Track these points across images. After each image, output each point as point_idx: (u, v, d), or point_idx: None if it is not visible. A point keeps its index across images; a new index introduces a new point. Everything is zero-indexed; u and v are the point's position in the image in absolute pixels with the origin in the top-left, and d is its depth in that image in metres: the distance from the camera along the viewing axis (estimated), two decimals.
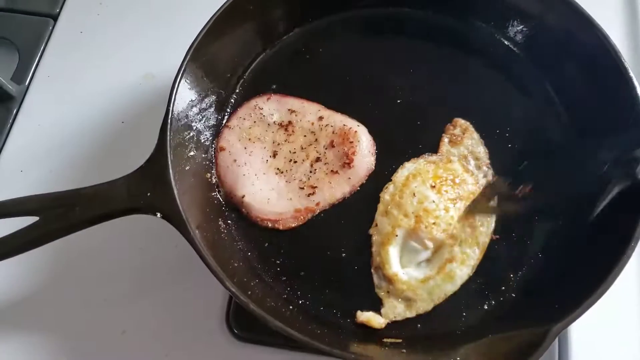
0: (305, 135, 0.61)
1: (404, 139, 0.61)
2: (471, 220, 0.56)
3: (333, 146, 0.60)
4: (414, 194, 0.56)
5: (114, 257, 0.63)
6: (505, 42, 0.66)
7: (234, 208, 0.59)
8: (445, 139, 0.61)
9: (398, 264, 0.55)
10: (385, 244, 0.55)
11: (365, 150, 0.60)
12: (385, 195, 0.58)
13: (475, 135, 0.61)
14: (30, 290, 0.61)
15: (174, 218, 0.50)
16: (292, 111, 0.62)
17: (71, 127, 0.70)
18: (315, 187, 0.59)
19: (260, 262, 0.57)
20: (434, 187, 0.56)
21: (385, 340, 0.52)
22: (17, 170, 0.68)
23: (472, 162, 0.59)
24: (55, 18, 0.77)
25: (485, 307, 0.54)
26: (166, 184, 0.51)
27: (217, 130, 0.63)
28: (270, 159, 0.60)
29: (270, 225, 0.58)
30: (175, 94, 0.55)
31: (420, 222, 0.54)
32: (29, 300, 0.61)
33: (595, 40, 0.57)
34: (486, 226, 0.56)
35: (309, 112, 0.62)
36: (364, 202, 0.59)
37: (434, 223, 0.54)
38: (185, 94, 0.58)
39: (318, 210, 0.58)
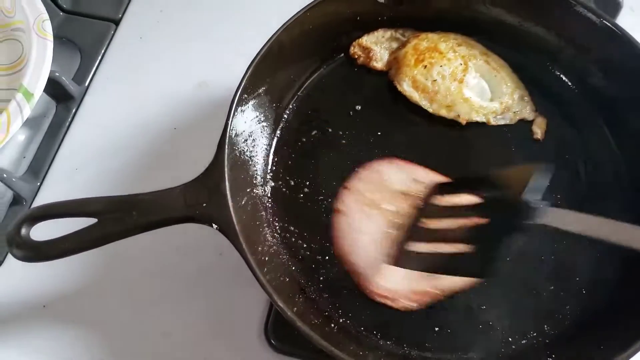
0: None
1: None
2: None
3: None
4: None
5: (160, 261, 0.64)
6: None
7: (281, 219, 0.60)
8: None
9: None
10: None
11: None
12: None
13: None
14: (80, 287, 0.63)
15: (228, 230, 0.51)
16: (416, 181, 0.59)
17: (126, 129, 0.72)
18: None
19: (305, 276, 0.57)
20: None
21: None
22: (72, 168, 0.70)
23: None
24: (117, 23, 0.79)
25: (524, 342, 0.54)
26: (222, 195, 0.52)
27: (270, 145, 0.64)
28: (391, 230, 0.57)
29: (382, 301, 0.55)
30: (235, 105, 0.56)
31: None
32: (78, 296, 0.63)
33: None
34: None
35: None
36: None
37: None
38: (243, 106, 0.59)
39: (442, 297, 0.54)
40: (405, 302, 0.55)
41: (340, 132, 0.64)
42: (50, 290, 0.63)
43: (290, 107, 0.66)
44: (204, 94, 0.74)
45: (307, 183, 0.62)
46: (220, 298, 0.62)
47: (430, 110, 0.63)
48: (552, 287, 0.56)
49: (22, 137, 0.73)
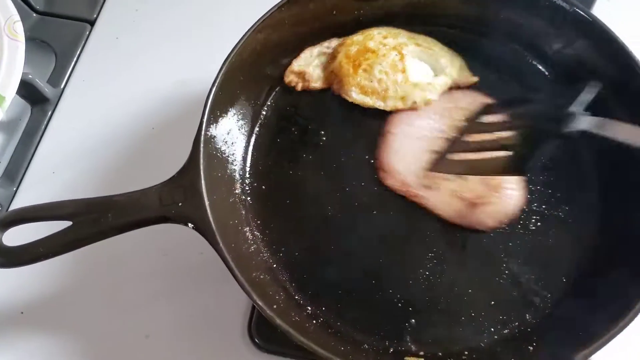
0: None
1: None
2: None
3: None
4: None
5: (140, 262, 0.64)
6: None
7: (261, 217, 0.60)
8: None
9: None
10: None
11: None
12: None
13: None
14: (58, 291, 0.62)
15: (204, 229, 0.50)
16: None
17: (103, 131, 0.71)
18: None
19: (286, 274, 0.57)
20: None
21: (407, 358, 0.52)
22: (49, 172, 0.69)
23: None
24: (92, 23, 0.78)
25: (506, 332, 0.54)
26: (198, 194, 0.51)
27: (248, 142, 0.63)
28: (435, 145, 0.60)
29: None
30: (211, 102, 0.56)
31: None
32: (56, 300, 0.62)
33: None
34: None
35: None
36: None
37: None
38: (219, 105, 0.58)
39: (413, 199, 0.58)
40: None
41: (320, 129, 0.64)
42: (27, 296, 0.62)
43: (269, 103, 0.65)
44: (182, 92, 0.73)
45: (287, 180, 0.61)
46: (202, 298, 0.61)
47: (387, 108, 0.63)
48: (533, 276, 0.56)
49: None
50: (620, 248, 0.55)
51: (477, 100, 0.63)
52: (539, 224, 0.58)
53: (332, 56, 0.66)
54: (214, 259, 0.53)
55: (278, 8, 0.61)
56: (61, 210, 0.52)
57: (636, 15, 0.76)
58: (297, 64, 0.66)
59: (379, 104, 0.63)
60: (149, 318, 0.61)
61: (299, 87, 0.65)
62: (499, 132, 0.57)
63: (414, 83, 0.62)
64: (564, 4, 0.60)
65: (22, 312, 0.62)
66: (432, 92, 0.63)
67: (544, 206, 0.58)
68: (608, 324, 0.48)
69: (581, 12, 0.60)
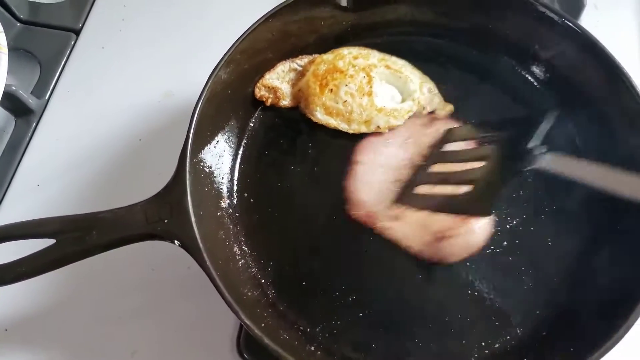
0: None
1: None
2: None
3: None
4: None
5: (127, 277, 0.63)
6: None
7: (249, 231, 0.59)
8: None
9: None
10: None
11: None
12: None
13: None
14: (42, 308, 0.61)
15: (191, 246, 0.50)
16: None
17: (89, 142, 0.70)
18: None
19: (275, 289, 0.56)
20: None
21: None
22: (34, 184, 0.68)
23: None
24: (77, 33, 0.77)
25: (497, 347, 0.53)
26: (184, 211, 0.51)
27: (236, 155, 0.63)
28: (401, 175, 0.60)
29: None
30: (197, 115, 0.55)
31: None
32: (41, 317, 0.61)
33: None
34: None
35: None
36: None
37: None
38: (206, 116, 0.57)
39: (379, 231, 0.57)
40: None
41: (308, 141, 0.63)
42: (11, 312, 0.61)
43: (256, 115, 0.65)
44: (169, 103, 0.72)
45: (275, 193, 0.61)
46: (190, 313, 0.61)
47: (351, 131, 0.62)
48: (525, 287, 0.56)
49: None
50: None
51: (444, 125, 0.62)
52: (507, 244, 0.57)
53: (301, 74, 0.65)
54: (201, 274, 0.52)
55: (264, 20, 0.60)
56: (45, 227, 0.51)
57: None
58: (269, 77, 0.64)
59: (343, 127, 0.62)
60: (136, 334, 0.60)
61: (269, 102, 0.64)
62: (463, 163, 0.57)
63: (379, 108, 0.62)
64: (553, 15, 0.60)
65: (6, 330, 0.61)
66: (396, 118, 0.62)
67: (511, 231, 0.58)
68: (599, 340, 0.47)
69: (569, 23, 0.59)
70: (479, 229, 0.56)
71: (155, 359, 0.59)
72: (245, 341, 0.59)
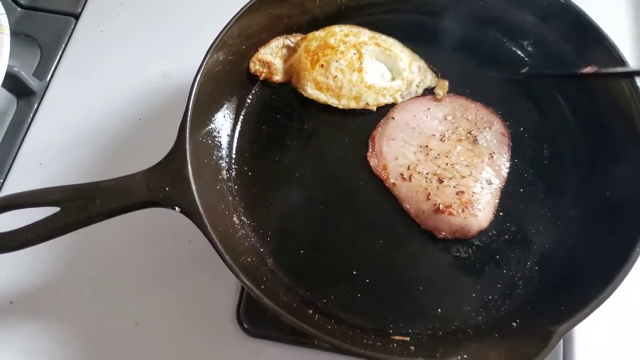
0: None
1: None
2: None
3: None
4: None
5: (129, 250, 0.64)
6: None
7: (248, 203, 0.61)
8: None
9: None
10: None
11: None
12: None
13: None
14: (47, 281, 0.63)
15: (191, 212, 0.51)
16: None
17: (90, 122, 0.72)
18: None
19: (272, 257, 0.58)
20: None
21: (393, 337, 0.53)
22: (36, 164, 0.69)
23: None
24: (77, 17, 0.79)
25: (492, 307, 0.55)
26: (185, 178, 0.52)
27: (234, 130, 0.64)
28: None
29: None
30: (195, 91, 0.56)
31: None
32: (46, 290, 0.62)
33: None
34: None
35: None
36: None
37: None
38: (204, 92, 0.59)
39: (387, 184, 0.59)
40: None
41: (304, 116, 0.65)
42: (16, 286, 0.62)
43: (253, 92, 0.66)
44: (168, 83, 0.74)
45: (273, 166, 0.62)
46: (190, 285, 0.62)
47: (340, 106, 0.64)
48: (512, 255, 0.58)
49: None
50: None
51: (485, 116, 0.63)
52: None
53: (293, 50, 0.67)
54: (202, 247, 0.53)
55: (250, 6, 0.62)
56: (49, 196, 0.52)
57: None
58: (264, 52, 0.66)
59: (333, 101, 0.64)
60: (138, 306, 0.61)
61: (262, 76, 0.65)
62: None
63: (369, 85, 0.63)
64: None
65: (11, 302, 0.62)
66: (384, 97, 0.64)
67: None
68: (588, 298, 0.49)
69: None
70: (476, 218, 0.57)
71: (156, 330, 0.60)
72: (245, 311, 0.60)
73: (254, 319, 0.59)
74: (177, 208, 0.52)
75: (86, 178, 0.67)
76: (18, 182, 0.68)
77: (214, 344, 0.59)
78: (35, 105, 0.72)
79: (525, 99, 0.65)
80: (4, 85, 0.65)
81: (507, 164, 0.61)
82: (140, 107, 0.72)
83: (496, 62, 0.66)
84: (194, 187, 0.52)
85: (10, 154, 0.69)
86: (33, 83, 0.71)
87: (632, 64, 0.58)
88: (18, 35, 0.75)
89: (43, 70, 0.74)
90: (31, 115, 0.72)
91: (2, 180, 0.68)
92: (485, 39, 0.67)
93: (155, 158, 0.55)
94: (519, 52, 0.67)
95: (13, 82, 0.69)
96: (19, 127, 0.71)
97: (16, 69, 0.68)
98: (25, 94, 0.72)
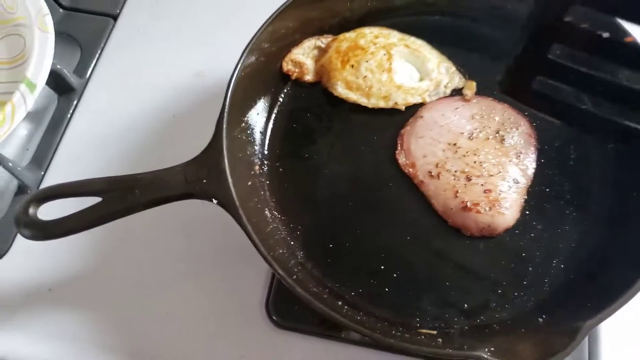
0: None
1: None
2: None
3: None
4: None
5: (163, 242, 0.66)
6: None
7: (279, 198, 0.62)
8: None
9: None
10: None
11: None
12: None
13: None
14: (85, 270, 0.65)
15: (228, 204, 0.53)
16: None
17: (126, 119, 0.74)
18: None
19: (302, 250, 0.59)
20: None
21: (420, 331, 0.54)
22: (75, 157, 0.72)
23: None
24: (115, 18, 0.82)
25: (517, 303, 0.56)
26: (222, 172, 0.54)
27: (266, 127, 0.66)
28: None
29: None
30: (232, 90, 0.59)
31: None
32: (83, 279, 0.65)
33: None
34: None
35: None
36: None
37: None
38: (239, 91, 0.61)
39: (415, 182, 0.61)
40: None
41: (334, 115, 0.67)
42: (55, 274, 0.65)
43: (285, 91, 0.68)
44: (201, 83, 0.76)
45: (303, 163, 0.64)
46: (221, 278, 0.64)
47: (370, 105, 0.65)
48: (538, 253, 0.58)
49: (24, 131, 0.75)
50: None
51: (512, 117, 0.64)
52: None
53: (324, 50, 0.68)
54: (233, 241, 0.56)
55: (280, 12, 0.64)
56: (91, 186, 0.55)
57: None
58: (296, 52, 0.68)
59: (363, 101, 0.65)
60: (171, 296, 0.64)
61: (294, 76, 0.68)
62: None
63: (398, 85, 0.65)
64: None
65: (50, 290, 0.64)
66: (413, 96, 0.65)
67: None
68: (615, 294, 0.50)
69: None
70: (504, 215, 0.58)
71: (188, 320, 0.62)
72: (274, 303, 0.62)
73: (283, 311, 0.61)
74: (214, 200, 0.54)
75: (122, 171, 0.70)
76: (58, 174, 0.71)
77: (244, 335, 0.61)
78: (75, 102, 0.75)
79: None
80: (46, 82, 0.68)
81: (534, 164, 0.62)
82: (174, 104, 0.75)
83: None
84: (229, 180, 0.54)
85: (50, 149, 0.72)
86: (73, 80, 0.75)
87: None
88: (60, 34, 0.77)
89: (83, 68, 0.77)
90: (71, 111, 0.75)
91: (43, 173, 0.71)
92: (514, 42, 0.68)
93: (187, 153, 0.58)
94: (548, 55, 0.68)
95: (55, 80, 0.72)
96: (59, 123, 0.74)
97: (59, 66, 0.72)
98: (65, 91, 0.75)
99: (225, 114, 0.57)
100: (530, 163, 0.61)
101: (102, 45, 0.79)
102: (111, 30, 0.81)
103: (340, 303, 0.55)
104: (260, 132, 0.66)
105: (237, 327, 0.62)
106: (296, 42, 0.68)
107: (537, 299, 0.56)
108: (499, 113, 0.64)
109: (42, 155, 0.72)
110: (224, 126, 0.57)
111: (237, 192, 0.54)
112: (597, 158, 0.62)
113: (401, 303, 0.56)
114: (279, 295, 0.62)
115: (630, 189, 0.59)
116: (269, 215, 0.61)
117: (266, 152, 0.65)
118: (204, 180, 0.54)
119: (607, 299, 0.50)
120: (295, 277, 0.53)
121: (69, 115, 0.75)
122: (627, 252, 0.55)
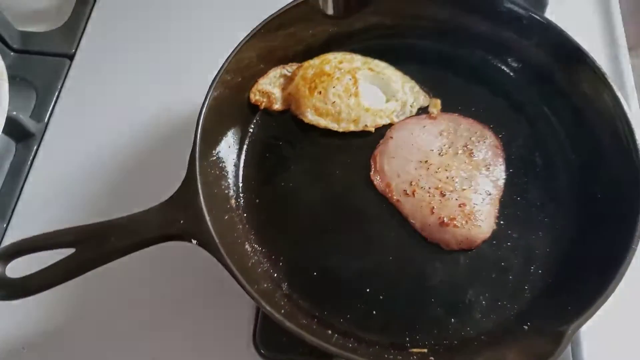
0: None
1: None
2: None
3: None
4: None
5: (141, 287, 0.64)
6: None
7: (257, 230, 0.62)
8: None
9: None
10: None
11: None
12: None
13: None
14: (60, 324, 0.63)
15: (208, 243, 0.52)
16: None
17: (91, 161, 0.72)
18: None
19: (286, 282, 0.59)
20: None
21: (411, 350, 0.55)
22: (39, 206, 0.70)
23: None
24: (71, 57, 0.80)
25: (502, 312, 0.57)
26: (199, 210, 0.53)
27: (239, 159, 0.66)
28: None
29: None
30: (201, 126, 0.58)
31: None
32: (58, 333, 0.62)
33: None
34: None
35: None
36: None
37: None
38: (208, 125, 0.60)
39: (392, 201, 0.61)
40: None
41: (306, 142, 0.67)
42: (29, 330, 0.62)
43: (255, 121, 0.68)
44: (167, 118, 0.75)
45: (279, 192, 0.64)
46: (205, 315, 0.62)
47: (340, 129, 0.66)
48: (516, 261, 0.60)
49: None
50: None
51: (478, 131, 0.66)
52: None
53: (290, 78, 0.69)
54: (215, 276, 0.54)
55: (245, 43, 0.64)
56: (63, 237, 0.53)
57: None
58: (263, 82, 0.68)
59: (333, 126, 0.66)
60: (154, 340, 0.62)
61: (262, 105, 0.68)
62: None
63: (366, 108, 0.66)
64: (520, 10, 0.66)
65: (23, 348, 0.61)
66: (382, 118, 0.67)
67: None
68: (593, 297, 0.51)
69: (536, 17, 0.65)
70: (480, 228, 0.60)
71: None
72: (261, 336, 0.61)
73: (271, 343, 0.60)
74: (193, 240, 0.52)
75: (91, 218, 0.68)
76: (22, 225, 0.68)
77: None
78: (35, 148, 0.73)
79: (513, 112, 0.68)
80: (2, 130, 0.65)
81: (503, 174, 0.64)
82: (140, 143, 0.73)
83: (483, 78, 0.70)
84: (207, 218, 0.53)
85: (12, 199, 0.69)
86: (31, 126, 0.72)
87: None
88: (13, 79, 0.74)
89: (40, 112, 0.75)
90: (31, 157, 0.72)
91: (5, 225, 0.68)
92: (471, 57, 0.71)
93: (159, 191, 0.56)
94: (504, 68, 0.71)
95: (11, 126, 0.69)
96: (19, 171, 0.71)
97: (14, 113, 0.69)
98: (24, 137, 0.72)
99: (197, 150, 0.56)
100: (499, 174, 0.63)
101: (59, 86, 0.77)
102: (67, 70, 0.79)
103: (330, 332, 0.55)
104: (234, 165, 0.65)
105: None
106: (262, 72, 0.68)
107: (520, 306, 0.57)
108: (465, 128, 0.66)
109: (3, 206, 0.69)
110: (197, 162, 0.56)
111: (215, 229, 0.53)
112: (561, 164, 0.65)
113: (390, 324, 0.57)
114: (266, 328, 0.61)
115: (594, 190, 0.62)
116: (249, 248, 0.60)
117: (241, 185, 0.65)
118: (181, 221, 0.53)
119: (586, 301, 0.51)
120: (283, 310, 0.53)
121: (29, 162, 0.72)
122: (600, 252, 0.57)
